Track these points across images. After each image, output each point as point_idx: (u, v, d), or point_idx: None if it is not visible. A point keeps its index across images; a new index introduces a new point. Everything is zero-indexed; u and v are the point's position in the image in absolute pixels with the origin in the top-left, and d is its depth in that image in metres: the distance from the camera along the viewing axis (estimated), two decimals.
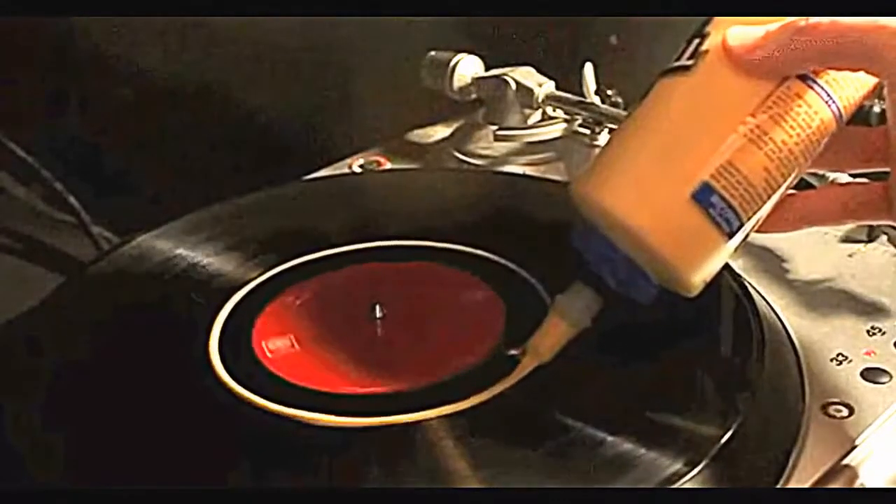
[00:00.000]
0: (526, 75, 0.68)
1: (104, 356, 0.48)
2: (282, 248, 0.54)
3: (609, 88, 0.66)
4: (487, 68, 0.70)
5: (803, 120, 0.39)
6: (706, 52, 0.40)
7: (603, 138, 0.65)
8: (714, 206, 0.39)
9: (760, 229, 0.42)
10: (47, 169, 0.70)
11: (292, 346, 0.48)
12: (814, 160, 0.41)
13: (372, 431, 0.42)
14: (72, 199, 0.70)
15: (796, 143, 0.39)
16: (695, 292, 0.41)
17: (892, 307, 0.52)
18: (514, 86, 0.67)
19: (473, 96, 0.70)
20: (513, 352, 0.45)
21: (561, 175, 0.66)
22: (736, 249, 0.41)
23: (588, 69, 0.65)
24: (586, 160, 0.65)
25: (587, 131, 0.65)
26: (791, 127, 0.39)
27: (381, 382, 0.45)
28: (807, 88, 0.39)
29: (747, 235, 0.41)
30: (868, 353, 0.49)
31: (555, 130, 0.66)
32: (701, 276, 0.41)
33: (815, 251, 0.56)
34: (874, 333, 0.50)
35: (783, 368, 0.47)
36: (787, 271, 0.55)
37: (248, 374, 0.45)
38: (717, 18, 0.41)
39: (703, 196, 0.39)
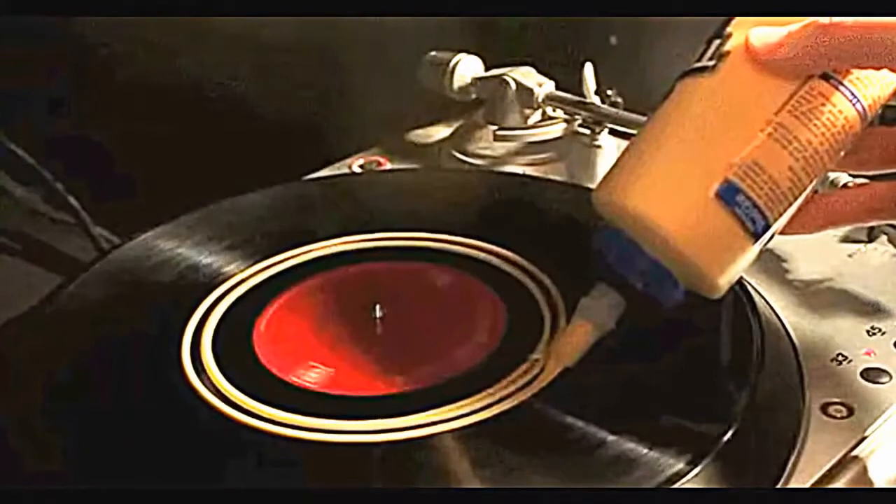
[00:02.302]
0: (526, 75, 0.68)
1: (104, 356, 0.48)
2: (281, 248, 0.54)
3: (609, 88, 0.66)
4: (487, 68, 0.70)
5: (828, 119, 0.39)
6: (728, 52, 0.40)
7: (603, 138, 0.65)
8: (739, 205, 0.39)
9: (784, 231, 0.41)
10: (47, 169, 0.70)
11: (292, 346, 0.48)
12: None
13: (374, 433, 0.42)
14: (72, 199, 0.70)
15: (821, 143, 0.39)
16: (719, 294, 0.41)
17: (892, 307, 0.52)
18: (513, 86, 0.67)
19: (473, 96, 0.70)
20: (535, 356, 0.45)
21: (561, 175, 0.66)
22: (761, 251, 0.40)
23: (588, 69, 0.65)
24: (586, 160, 0.65)
25: (587, 131, 0.65)
26: (816, 126, 0.39)
27: (380, 383, 0.45)
28: (831, 88, 0.39)
29: (772, 237, 0.40)
30: (868, 353, 0.49)
31: (555, 130, 0.66)
32: (727, 277, 0.40)
33: (815, 251, 0.56)
34: (874, 333, 0.50)
35: (783, 368, 0.47)
36: (787, 271, 0.55)
37: (247, 375, 0.45)
38: (738, 19, 0.40)
39: (729, 195, 0.39)
